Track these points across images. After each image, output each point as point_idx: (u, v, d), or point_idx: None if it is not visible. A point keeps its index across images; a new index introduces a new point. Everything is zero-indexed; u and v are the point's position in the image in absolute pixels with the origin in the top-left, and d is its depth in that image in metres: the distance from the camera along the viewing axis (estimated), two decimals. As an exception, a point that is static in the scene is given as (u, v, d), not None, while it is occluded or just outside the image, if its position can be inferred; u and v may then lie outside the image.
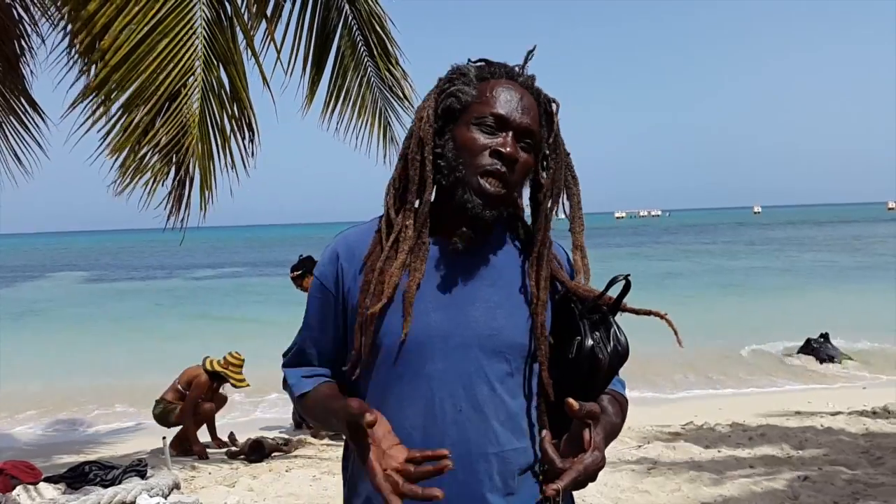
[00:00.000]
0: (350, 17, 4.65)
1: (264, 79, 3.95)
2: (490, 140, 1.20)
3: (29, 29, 5.09)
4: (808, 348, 9.72)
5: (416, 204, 1.23)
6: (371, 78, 5.04)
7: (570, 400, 1.03)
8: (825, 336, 9.86)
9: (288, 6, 4.44)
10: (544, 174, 1.28)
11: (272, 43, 4.30)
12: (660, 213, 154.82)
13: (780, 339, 11.19)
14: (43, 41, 4.99)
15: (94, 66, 3.67)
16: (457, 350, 1.17)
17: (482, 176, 1.19)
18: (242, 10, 4.10)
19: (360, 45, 4.71)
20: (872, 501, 4.11)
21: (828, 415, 6.54)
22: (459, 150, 1.21)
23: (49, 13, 4.70)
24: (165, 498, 3.90)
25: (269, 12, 4.36)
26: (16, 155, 5.42)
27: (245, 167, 3.98)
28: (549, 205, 1.27)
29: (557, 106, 1.28)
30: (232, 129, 3.91)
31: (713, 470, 4.93)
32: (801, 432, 5.88)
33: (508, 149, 1.19)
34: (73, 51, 3.98)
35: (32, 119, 5.35)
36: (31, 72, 5.19)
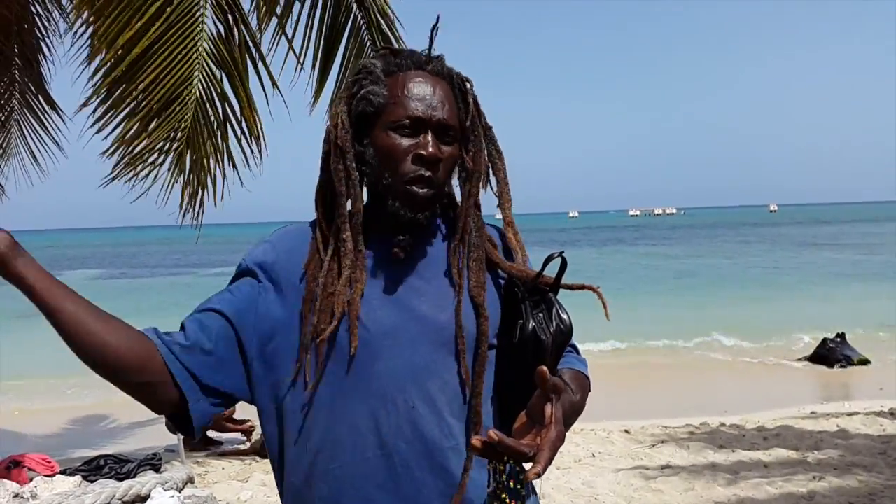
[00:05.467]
0: (359, 17, 4.65)
1: (274, 84, 4.05)
2: (410, 142, 1.17)
3: (47, 28, 5.15)
4: (824, 348, 9.62)
5: (349, 215, 1.19)
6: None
7: (544, 368, 0.99)
8: (841, 336, 9.75)
9: (297, 7, 4.47)
10: (468, 158, 1.24)
11: (289, 45, 4.36)
12: (675, 210, 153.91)
13: (795, 339, 11.10)
14: (62, 40, 5.05)
15: (101, 70, 3.81)
16: (406, 346, 1.16)
17: (408, 183, 1.16)
18: (251, 17, 4.16)
19: (367, 46, 4.72)
20: (889, 503, 4.06)
21: (844, 415, 6.48)
22: (381, 158, 1.18)
23: (66, 14, 4.77)
24: (180, 492, 3.92)
25: (279, 12, 4.40)
26: (32, 153, 5.48)
27: (248, 168, 4.12)
28: (472, 188, 1.24)
29: (471, 84, 1.25)
30: (232, 132, 4.04)
31: (727, 470, 4.90)
32: (816, 433, 5.83)
33: (430, 149, 1.16)
34: (86, 53, 4.09)
35: (50, 117, 5.41)
36: (49, 70, 5.26)
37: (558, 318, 1.18)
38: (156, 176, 3.86)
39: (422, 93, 1.18)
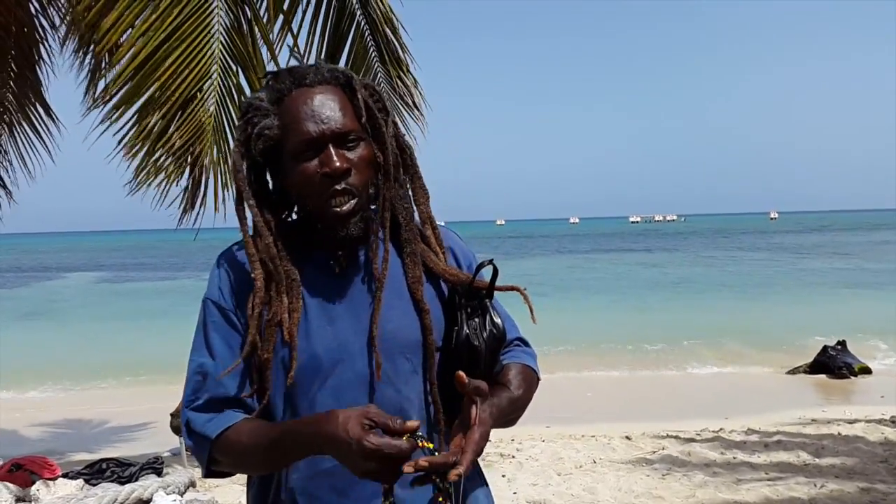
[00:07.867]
0: (363, 22, 4.66)
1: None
2: (316, 163, 1.15)
3: (48, 33, 5.11)
4: (825, 355, 9.62)
5: (268, 248, 1.18)
6: (381, 84, 5.02)
7: (461, 373, 1.04)
8: (842, 343, 9.75)
9: (301, 10, 4.49)
10: (378, 153, 1.21)
11: (291, 47, 4.38)
12: (675, 217, 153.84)
13: (796, 346, 11.09)
14: (61, 46, 5.01)
15: (108, 69, 3.78)
16: (357, 358, 1.18)
17: (330, 203, 1.16)
18: (262, 14, 4.16)
19: (371, 50, 4.72)
20: (890, 511, 4.07)
21: (845, 423, 6.48)
22: (297, 189, 1.18)
23: (66, 18, 4.74)
24: (182, 496, 3.92)
25: (282, 16, 4.42)
26: (22, 157, 5.41)
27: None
28: (385, 181, 1.22)
29: (355, 79, 1.21)
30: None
31: (728, 476, 4.90)
32: (817, 440, 5.83)
33: (335, 164, 1.14)
34: (90, 56, 4.06)
35: (44, 123, 5.35)
36: (47, 75, 5.21)
37: (492, 324, 1.22)
38: (177, 182, 3.87)
39: (309, 111, 1.16)
